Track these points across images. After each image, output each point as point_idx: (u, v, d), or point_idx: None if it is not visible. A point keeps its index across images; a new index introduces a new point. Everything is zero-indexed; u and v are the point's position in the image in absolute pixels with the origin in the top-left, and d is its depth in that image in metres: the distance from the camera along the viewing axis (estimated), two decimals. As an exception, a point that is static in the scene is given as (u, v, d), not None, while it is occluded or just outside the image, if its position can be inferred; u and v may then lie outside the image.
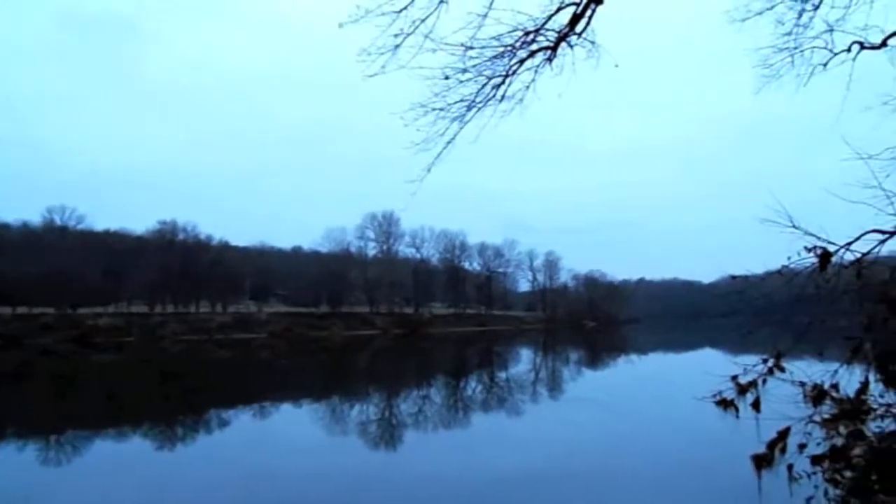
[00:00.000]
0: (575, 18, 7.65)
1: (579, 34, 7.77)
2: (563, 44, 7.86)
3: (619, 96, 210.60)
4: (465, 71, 7.77)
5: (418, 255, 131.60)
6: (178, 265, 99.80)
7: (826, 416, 6.88)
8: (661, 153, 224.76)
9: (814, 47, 9.50)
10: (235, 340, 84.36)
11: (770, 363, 7.21)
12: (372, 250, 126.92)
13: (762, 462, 6.78)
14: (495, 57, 7.80)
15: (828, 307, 7.35)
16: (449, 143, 8.18)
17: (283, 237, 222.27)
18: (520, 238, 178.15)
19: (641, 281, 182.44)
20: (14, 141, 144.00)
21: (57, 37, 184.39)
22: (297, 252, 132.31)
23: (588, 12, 7.62)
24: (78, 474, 16.69)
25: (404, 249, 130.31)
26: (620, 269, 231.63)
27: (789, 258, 7.20)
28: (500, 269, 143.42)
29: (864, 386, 6.86)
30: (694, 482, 14.07)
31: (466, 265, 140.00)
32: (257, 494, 13.80)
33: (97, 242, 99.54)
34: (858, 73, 9.46)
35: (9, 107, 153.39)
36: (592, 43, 7.81)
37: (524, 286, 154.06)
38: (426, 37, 7.43)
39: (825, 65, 9.59)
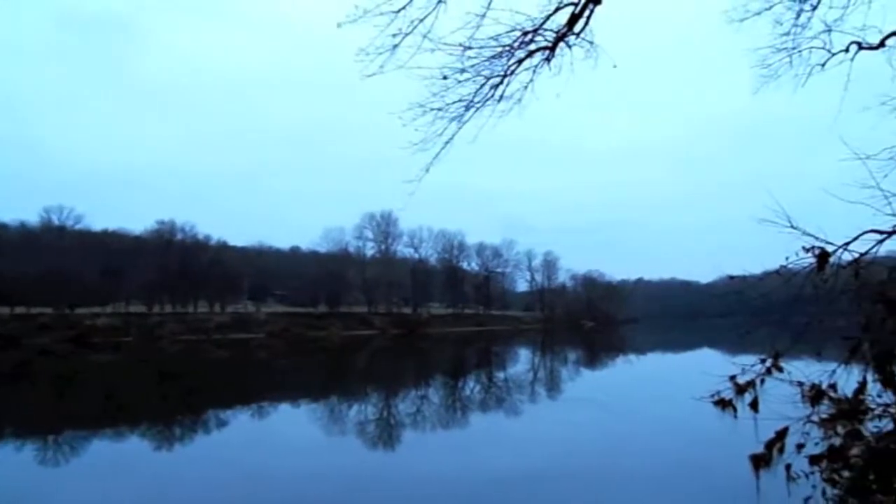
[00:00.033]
0: (573, 18, 7.65)
1: (577, 34, 7.77)
2: (562, 44, 7.86)
3: (617, 96, 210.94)
4: (463, 71, 7.77)
5: (416, 255, 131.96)
6: (176, 265, 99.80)
7: (824, 416, 6.87)
8: (659, 153, 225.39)
9: (812, 47, 9.51)
10: (234, 340, 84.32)
11: (768, 363, 7.21)
12: (370, 250, 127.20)
13: (760, 462, 6.77)
14: (493, 57, 7.80)
15: (826, 307, 7.35)
16: (447, 143, 8.18)
17: (282, 237, 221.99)
18: (518, 238, 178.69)
19: (640, 281, 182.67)
20: (12, 141, 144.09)
21: (56, 37, 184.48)
22: (295, 252, 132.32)
23: (586, 12, 7.61)
24: (76, 475, 16.68)
25: (402, 249, 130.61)
26: (619, 269, 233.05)
27: (787, 258, 7.19)
28: (499, 269, 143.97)
29: (862, 386, 6.85)
30: (692, 482, 14.08)
31: (465, 265, 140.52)
32: (256, 495, 13.79)
33: (95, 242, 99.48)
34: (856, 73, 9.48)
35: (7, 106, 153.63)
36: (591, 43, 7.81)
37: (522, 286, 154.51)
38: (424, 37, 7.44)
39: (823, 65, 9.60)
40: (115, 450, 19.60)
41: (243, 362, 56.91)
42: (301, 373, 50.17)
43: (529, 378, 41.88)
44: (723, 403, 7.37)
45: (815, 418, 6.84)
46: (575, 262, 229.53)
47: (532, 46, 7.87)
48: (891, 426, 6.64)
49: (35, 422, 25.43)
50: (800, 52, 9.56)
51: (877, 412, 6.81)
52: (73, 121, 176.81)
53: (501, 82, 8.02)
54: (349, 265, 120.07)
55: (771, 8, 9.22)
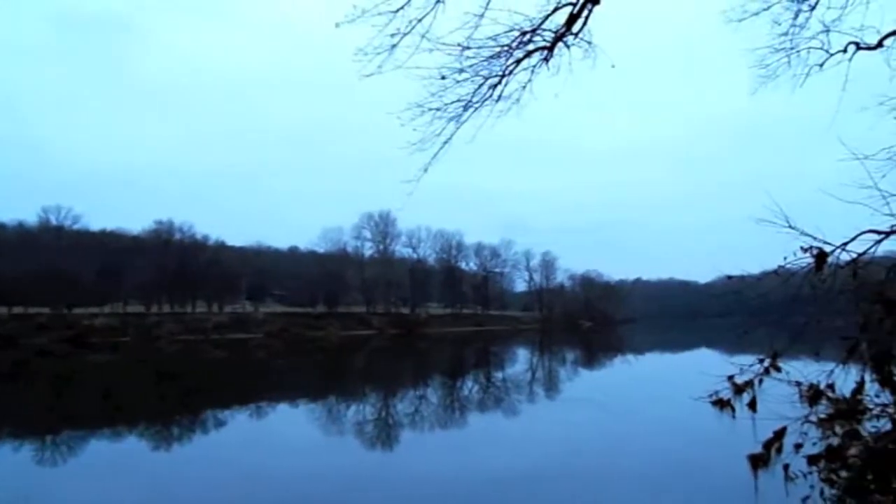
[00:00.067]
0: (571, 18, 7.64)
1: (576, 34, 7.76)
2: (560, 44, 7.86)
3: (617, 96, 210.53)
4: (461, 71, 7.77)
5: (415, 256, 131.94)
6: (174, 265, 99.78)
7: (822, 415, 6.88)
8: (659, 153, 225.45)
9: (810, 48, 9.51)
10: (232, 340, 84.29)
11: (766, 363, 7.22)
12: (368, 250, 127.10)
13: (758, 462, 6.79)
14: (492, 57, 7.80)
15: (824, 307, 7.36)
16: (446, 143, 8.17)
17: (280, 237, 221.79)
18: (516, 238, 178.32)
19: (638, 281, 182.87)
20: (10, 140, 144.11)
21: (55, 36, 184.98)
22: (293, 252, 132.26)
23: (585, 12, 7.61)
24: (74, 475, 16.66)
25: (401, 249, 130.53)
26: (617, 269, 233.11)
27: (785, 258, 7.20)
28: (497, 270, 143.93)
29: (860, 386, 6.86)
30: (691, 482, 14.08)
31: (463, 265, 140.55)
32: (254, 495, 13.78)
33: (93, 242, 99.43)
34: (854, 73, 9.47)
35: (6, 106, 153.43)
36: (589, 43, 7.81)
37: (521, 286, 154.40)
38: (423, 37, 7.43)
39: (821, 65, 9.60)
40: (113, 450, 19.58)
41: (241, 362, 56.89)
42: (299, 373, 50.13)
43: (527, 378, 41.89)
44: (721, 403, 7.38)
45: (813, 418, 6.85)
46: (573, 262, 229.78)
47: (530, 46, 7.87)
48: (889, 426, 6.66)
49: (32, 422, 25.41)
50: (798, 52, 9.57)
51: (875, 412, 6.82)
52: (72, 121, 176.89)
53: (500, 82, 8.02)
54: (347, 265, 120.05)
55: (769, 8, 9.23)
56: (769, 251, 7.47)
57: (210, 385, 40.25)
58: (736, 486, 7.95)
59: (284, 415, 26.54)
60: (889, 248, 7.32)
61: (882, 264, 7.41)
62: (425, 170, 8.39)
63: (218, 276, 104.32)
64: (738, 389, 7.29)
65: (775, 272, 7.46)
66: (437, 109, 7.94)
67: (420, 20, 7.36)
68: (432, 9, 7.36)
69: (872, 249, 7.29)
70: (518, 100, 8.21)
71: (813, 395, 6.92)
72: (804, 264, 7.17)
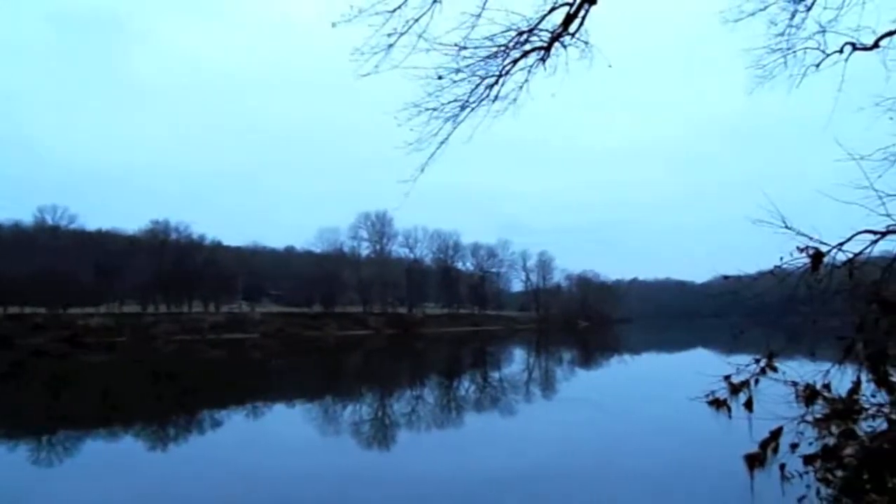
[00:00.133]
0: (568, 19, 7.65)
1: (573, 34, 7.76)
2: (557, 44, 7.86)
3: (615, 97, 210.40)
4: (458, 71, 7.77)
5: (412, 255, 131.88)
6: (170, 265, 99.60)
7: (818, 415, 6.89)
8: (656, 153, 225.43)
9: (806, 48, 9.53)
10: (228, 340, 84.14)
11: (762, 363, 7.23)
12: (365, 250, 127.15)
13: (755, 462, 6.79)
14: (489, 57, 7.79)
15: (820, 307, 7.38)
16: (442, 143, 8.16)
17: (276, 237, 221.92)
18: (513, 238, 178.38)
19: (634, 281, 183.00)
20: (6, 140, 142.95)
21: (52, 36, 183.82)
22: (290, 252, 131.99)
23: (581, 12, 7.61)
24: (70, 475, 16.63)
25: (398, 249, 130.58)
26: (614, 269, 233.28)
27: (782, 258, 7.22)
28: (494, 270, 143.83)
29: (856, 386, 6.88)
30: (687, 482, 14.10)
31: (460, 265, 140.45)
32: (250, 495, 13.77)
33: (89, 242, 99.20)
34: (851, 74, 9.50)
35: (1, 106, 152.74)
36: (586, 43, 7.81)
37: (517, 286, 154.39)
38: (420, 36, 7.42)
39: (818, 65, 9.62)
40: (110, 450, 19.56)
41: (238, 362, 56.84)
42: (296, 373, 50.09)
43: (524, 378, 41.91)
44: (717, 403, 7.39)
45: (809, 418, 6.86)
46: (570, 262, 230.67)
47: (527, 46, 7.87)
48: (885, 426, 6.67)
49: (29, 422, 25.35)
50: (794, 52, 9.59)
51: (871, 412, 6.83)
52: (69, 120, 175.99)
53: (496, 82, 8.02)
54: (344, 265, 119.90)
55: (766, 9, 9.24)
56: (766, 251, 7.48)
57: (206, 385, 40.20)
58: (732, 485, 7.96)
59: (281, 415, 26.51)
60: (885, 248, 7.35)
61: (878, 264, 7.43)
62: (422, 170, 8.40)
63: (214, 276, 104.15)
64: (735, 389, 7.30)
65: (771, 272, 7.48)
66: (434, 109, 7.94)
67: (417, 20, 7.36)
68: (429, 9, 7.36)
69: (868, 250, 7.31)
70: (515, 100, 8.21)
71: (809, 394, 6.93)
72: (800, 264, 7.19)
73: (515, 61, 7.95)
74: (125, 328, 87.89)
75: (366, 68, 7.56)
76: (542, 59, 7.97)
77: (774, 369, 7.19)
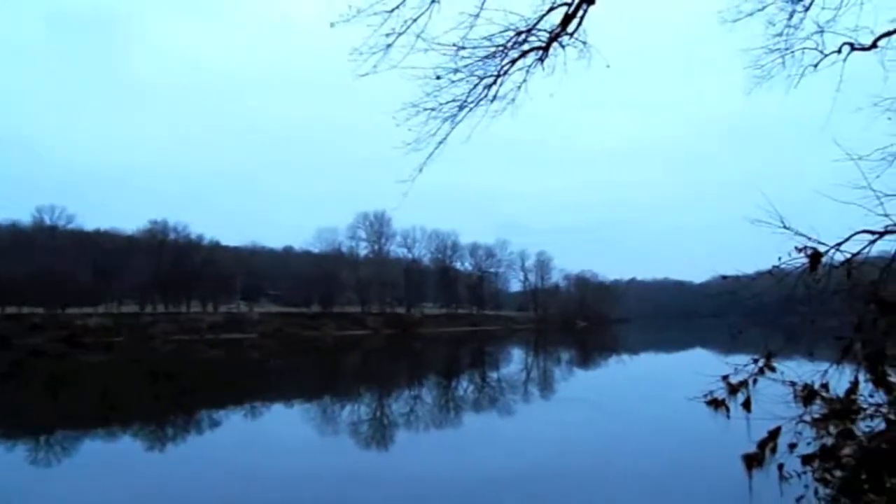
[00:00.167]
0: (566, 19, 7.65)
1: (571, 34, 7.76)
2: (555, 44, 7.86)
3: (613, 97, 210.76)
4: (456, 71, 7.76)
5: (410, 255, 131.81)
6: (168, 265, 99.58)
7: (816, 415, 6.89)
8: (655, 154, 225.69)
9: (804, 48, 9.54)
10: (226, 340, 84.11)
11: (760, 363, 7.23)
12: (363, 250, 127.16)
13: (753, 462, 6.79)
14: (487, 57, 7.79)
15: (818, 307, 7.38)
16: (441, 143, 8.16)
17: (275, 237, 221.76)
18: (512, 238, 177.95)
19: (633, 281, 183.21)
20: (4, 140, 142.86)
21: (50, 35, 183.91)
22: (288, 252, 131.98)
23: (580, 13, 7.61)
24: (68, 475, 16.61)
25: (396, 249, 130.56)
26: (612, 269, 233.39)
27: (780, 258, 7.22)
28: (492, 270, 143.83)
29: (854, 386, 6.88)
30: (685, 482, 14.10)
31: (458, 265, 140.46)
32: (249, 495, 13.76)
33: (87, 242, 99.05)
34: (849, 74, 9.50)
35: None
36: (584, 43, 7.81)
37: (516, 286, 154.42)
38: (418, 36, 7.42)
39: (816, 66, 9.62)
40: (108, 450, 19.54)
41: (236, 362, 56.80)
42: (294, 373, 50.07)
43: (522, 378, 41.93)
44: (715, 403, 7.39)
45: (807, 418, 6.86)
46: (568, 262, 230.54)
47: (525, 46, 7.86)
48: (882, 426, 6.67)
49: (27, 422, 25.32)
50: (792, 52, 9.59)
51: (869, 412, 6.83)
52: (67, 120, 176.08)
53: (495, 82, 8.01)
54: (342, 265, 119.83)
55: (764, 9, 9.24)
56: (764, 251, 7.48)
57: (205, 385, 40.17)
58: (730, 485, 7.96)
59: (279, 415, 26.50)
60: (883, 248, 7.35)
61: (876, 264, 7.43)
62: (420, 170, 8.40)
63: (212, 276, 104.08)
64: (733, 389, 7.30)
65: (770, 272, 7.48)
66: (433, 109, 7.94)
67: (415, 20, 7.36)
68: (427, 8, 7.35)
69: (866, 250, 7.31)
70: (513, 100, 8.21)
71: (807, 394, 6.93)
72: (798, 264, 7.19)
73: (514, 61, 7.95)
74: (123, 328, 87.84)
75: (364, 68, 7.56)
76: (541, 60, 7.97)
77: (773, 369, 7.19)
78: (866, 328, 6.93)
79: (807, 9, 9.12)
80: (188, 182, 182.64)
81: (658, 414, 22.48)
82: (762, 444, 6.81)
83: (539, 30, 7.75)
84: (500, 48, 7.75)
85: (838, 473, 6.57)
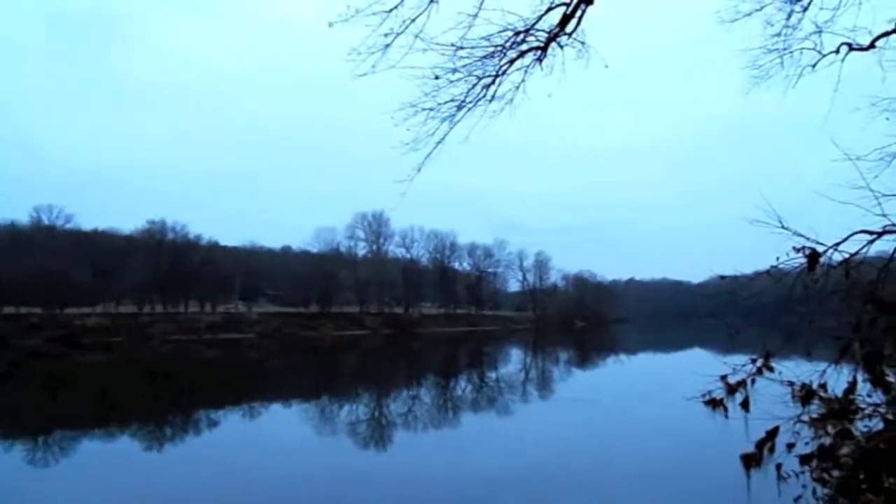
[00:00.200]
0: (565, 19, 7.65)
1: (569, 35, 7.77)
2: (553, 44, 7.86)
3: (611, 97, 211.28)
4: (455, 71, 7.77)
5: (408, 256, 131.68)
6: (167, 265, 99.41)
7: (814, 415, 6.89)
8: (653, 154, 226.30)
9: (803, 48, 9.56)
10: (225, 340, 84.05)
11: (759, 363, 7.22)
12: (362, 250, 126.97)
13: (751, 461, 6.79)
14: (485, 57, 7.80)
15: (816, 307, 7.38)
16: (439, 143, 8.16)
17: (273, 237, 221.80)
18: (510, 238, 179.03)
19: (631, 281, 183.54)
20: (2, 140, 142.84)
21: (48, 35, 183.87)
22: (286, 252, 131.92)
23: (578, 13, 7.62)
24: (66, 475, 16.59)
25: (394, 249, 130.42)
26: (610, 269, 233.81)
27: (778, 258, 7.22)
28: (490, 270, 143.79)
29: (852, 386, 6.87)
30: (683, 482, 14.11)
31: (456, 265, 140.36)
32: (247, 495, 13.76)
33: (85, 242, 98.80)
34: (847, 74, 9.52)
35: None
36: (582, 43, 7.82)
37: (514, 286, 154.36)
38: (416, 36, 7.43)
39: (814, 66, 9.64)
40: (106, 450, 19.52)
41: (234, 362, 56.76)
42: (292, 373, 50.05)
43: (521, 378, 41.95)
44: (714, 403, 7.38)
45: (805, 418, 6.86)
46: (567, 262, 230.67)
47: (524, 47, 7.87)
48: (881, 426, 6.67)
49: (26, 422, 25.29)
50: (790, 53, 9.61)
51: (867, 412, 6.83)
52: (65, 120, 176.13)
53: (493, 82, 8.02)
54: (341, 265, 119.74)
55: (762, 9, 9.26)
56: (762, 251, 7.49)
57: (203, 385, 40.13)
58: (728, 485, 7.96)
59: (278, 415, 26.48)
60: (881, 248, 7.35)
61: (874, 264, 7.43)
62: (419, 170, 8.40)
63: (211, 276, 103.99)
64: (731, 389, 7.29)
65: (768, 272, 7.48)
66: (431, 109, 7.94)
67: (414, 20, 7.37)
68: (426, 8, 7.36)
69: (864, 250, 7.31)
70: (512, 100, 8.22)
71: (805, 394, 6.93)
72: (796, 264, 7.19)
73: (512, 61, 7.95)
74: (121, 328, 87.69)
75: (363, 68, 7.57)
76: (539, 60, 7.98)
77: (771, 369, 7.19)
78: (864, 328, 6.92)
79: (805, 9, 9.14)
80: (187, 182, 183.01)
81: (656, 414, 22.49)
82: (760, 444, 6.80)
83: (537, 30, 7.76)
84: (499, 48, 7.76)
85: (836, 473, 6.57)
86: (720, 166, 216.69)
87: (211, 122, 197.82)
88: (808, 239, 7.10)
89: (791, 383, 7.06)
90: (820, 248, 7.14)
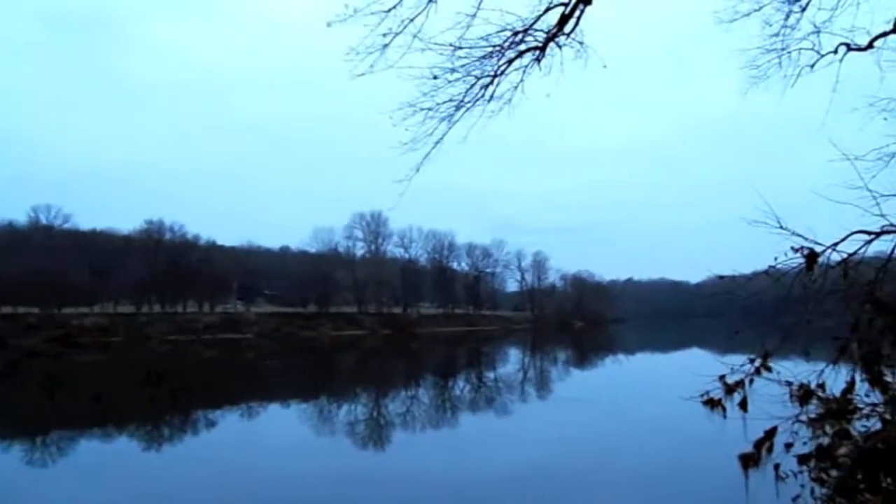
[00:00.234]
0: (563, 19, 7.65)
1: (568, 34, 7.77)
2: (552, 44, 7.86)
3: (609, 97, 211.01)
4: (453, 71, 7.77)
5: (406, 256, 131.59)
6: (164, 265, 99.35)
7: (812, 415, 6.90)
8: (651, 153, 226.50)
9: (801, 48, 9.56)
10: (223, 340, 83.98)
11: (757, 363, 7.24)
12: (360, 250, 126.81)
13: (749, 461, 6.80)
14: (484, 57, 7.79)
15: (814, 307, 7.39)
16: (437, 142, 8.16)
17: (271, 237, 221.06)
18: (508, 238, 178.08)
19: (629, 281, 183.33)
20: (0, 139, 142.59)
21: (45, 35, 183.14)
22: (284, 252, 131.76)
23: (576, 13, 7.62)
24: (63, 475, 16.55)
25: (392, 249, 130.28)
26: (608, 269, 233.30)
27: (776, 259, 7.23)
28: (489, 270, 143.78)
29: (850, 386, 6.89)
30: (682, 481, 14.11)
31: (455, 265, 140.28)
32: (245, 495, 13.74)
33: (83, 242, 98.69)
34: (845, 74, 9.52)
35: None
36: (581, 43, 7.82)
37: (512, 286, 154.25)
38: (415, 36, 7.42)
39: (812, 66, 9.64)
40: (104, 450, 19.50)
41: (233, 363, 56.71)
42: (291, 373, 50.03)
43: (519, 378, 41.95)
44: (712, 403, 7.39)
45: (803, 418, 6.87)
46: (565, 262, 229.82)
47: (522, 47, 7.87)
48: (878, 425, 6.68)
49: (23, 422, 25.25)
50: (789, 53, 9.61)
51: (865, 412, 6.84)
52: (63, 119, 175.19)
53: (492, 82, 8.02)
54: (339, 265, 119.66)
55: (760, 9, 9.26)
56: (760, 252, 7.50)
57: (201, 385, 40.03)
58: (727, 485, 7.97)
59: (276, 415, 26.47)
60: (879, 248, 7.37)
61: (872, 264, 7.44)
62: (417, 170, 8.39)
63: (209, 276, 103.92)
64: (729, 389, 7.30)
65: (766, 272, 7.49)
66: (429, 109, 7.94)
67: (412, 20, 7.36)
68: (424, 8, 7.36)
69: (862, 250, 7.33)
70: (510, 100, 8.22)
71: (803, 394, 6.94)
72: (795, 264, 7.21)
73: (510, 61, 7.95)
74: (119, 328, 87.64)
75: (361, 68, 7.56)
76: (537, 60, 7.98)
77: (769, 369, 7.20)
78: (862, 328, 6.94)
79: (803, 9, 9.14)
80: (184, 182, 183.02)
81: (655, 414, 22.50)
82: (758, 444, 6.82)
83: (536, 30, 7.76)
84: (497, 48, 7.76)
85: (834, 473, 6.58)
86: (718, 167, 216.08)
87: (208, 121, 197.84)
88: (806, 239, 7.12)
89: (789, 383, 7.07)
90: (818, 249, 7.15)
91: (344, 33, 7.34)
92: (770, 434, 6.81)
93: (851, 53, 9.24)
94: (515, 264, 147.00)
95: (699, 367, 7.63)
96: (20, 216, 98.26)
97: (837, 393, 6.92)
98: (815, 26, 9.25)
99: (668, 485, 13.88)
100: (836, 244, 7.24)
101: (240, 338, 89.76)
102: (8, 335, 76.22)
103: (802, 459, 6.71)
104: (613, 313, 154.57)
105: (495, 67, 7.93)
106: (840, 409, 6.83)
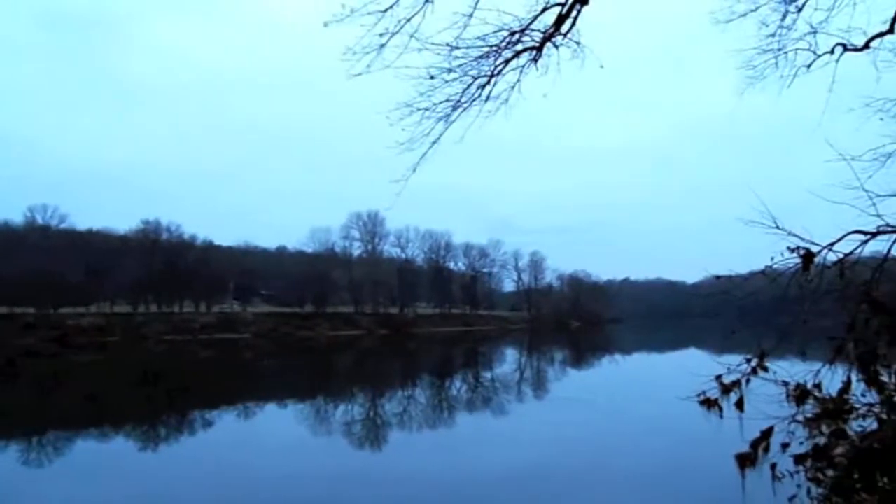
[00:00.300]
0: (560, 19, 7.64)
1: (565, 35, 7.76)
2: (549, 44, 7.85)
3: (606, 97, 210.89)
4: (450, 71, 7.75)
5: (403, 256, 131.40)
6: (161, 265, 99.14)
7: (809, 415, 6.91)
8: (648, 154, 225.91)
9: (797, 49, 9.56)
10: (220, 340, 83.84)
11: (753, 363, 7.25)
12: (357, 250, 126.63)
13: (746, 461, 6.81)
14: (481, 57, 7.79)
15: (811, 307, 7.40)
16: (434, 142, 8.15)
17: (268, 237, 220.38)
18: (505, 238, 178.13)
19: (626, 281, 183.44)
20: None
21: (42, 34, 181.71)
22: (281, 252, 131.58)
23: (573, 13, 7.61)
24: (60, 475, 16.54)
25: (389, 249, 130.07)
26: (605, 269, 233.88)
27: (773, 259, 7.24)
28: (485, 270, 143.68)
29: (847, 386, 6.90)
30: (678, 481, 14.13)
31: (451, 265, 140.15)
32: (242, 495, 13.74)
33: (80, 242, 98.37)
34: (841, 74, 9.53)
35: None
36: (578, 43, 7.81)
37: (509, 286, 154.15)
38: (411, 36, 7.41)
39: (809, 66, 9.64)
40: (100, 450, 19.48)
41: (229, 363, 56.65)
42: (288, 373, 49.99)
43: (516, 378, 41.96)
44: (708, 403, 7.40)
45: (800, 418, 6.88)
46: (562, 262, 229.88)
47: (519, 47, 7.86)
48: (875, 425, 6.69)
49: (19, 422, 25.19)
50: (785, 53, 9.62)
51: (861, 411, 6.86)
52: (59, 119, 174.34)
53: (488, 82, 8.01)
54: (336, 265, 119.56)
55: (757, 9, 9.26)
56: (757, 252, 7.50)
57: (198, 385, 39.99)
58: (723, 485, 7.98)
59: (273, 415, 26.46)
60: (875, 248, 7.37)
61: (868, 265, 7.45)
62: (414, 169, 8.38)
63: (205, 276, 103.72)
64: (726, 389, 7.31)
65: (763, 272, 7.50)
66: (426, 109, 7.92)
67: (409, 20, 7.35)
68: (421, 8, 7.34)
69: (859, 250, 7.34)
70: (507, 100, 8.20)
71: (800, 394, 6.95)
72: (791, 265, 7.21)
73: (507, 61, 7.95)
74: (116, 328, 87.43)
75: (358, 68, 7.55)
76: (534, 60, 7.97)
77: (765, 369, 7.21)
78: (859, 328, 6.95)
79: (800, 10, 9.15)
80: (181, 181, 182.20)
81: (651, 414, 22.53)
82: (755, 444, 6.82)
83: (533, 30, 7.76)
84: (494, 48, 7.75)
85: (830, 473, 6.59)
86: (715, 167, 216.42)
87: (206, 121, 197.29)
88: (802, 239, 7.12)
89: (786, 383, 7.08)
90: (814, 249, 7.16)
91: (341, 33, 7.34)
92: (766, 434, 6.82)
93: (848, 54, 9.25)
94: (512, 264, 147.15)
95: (696, 366, 7.64)
96: (16, 216, 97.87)
97: (834, 393, 6.93)
98: (811, 27, 9.26)
99: (665, 485, 13.90)
100: (832, 244, 7.25)
101: (236, 338, 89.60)
102: (4, 335, 75.94)
103: (799, 459, 6.72)
104: (610, 313, 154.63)
105: (492, 67, 7.93)
106: (836, 409, 6.84)
